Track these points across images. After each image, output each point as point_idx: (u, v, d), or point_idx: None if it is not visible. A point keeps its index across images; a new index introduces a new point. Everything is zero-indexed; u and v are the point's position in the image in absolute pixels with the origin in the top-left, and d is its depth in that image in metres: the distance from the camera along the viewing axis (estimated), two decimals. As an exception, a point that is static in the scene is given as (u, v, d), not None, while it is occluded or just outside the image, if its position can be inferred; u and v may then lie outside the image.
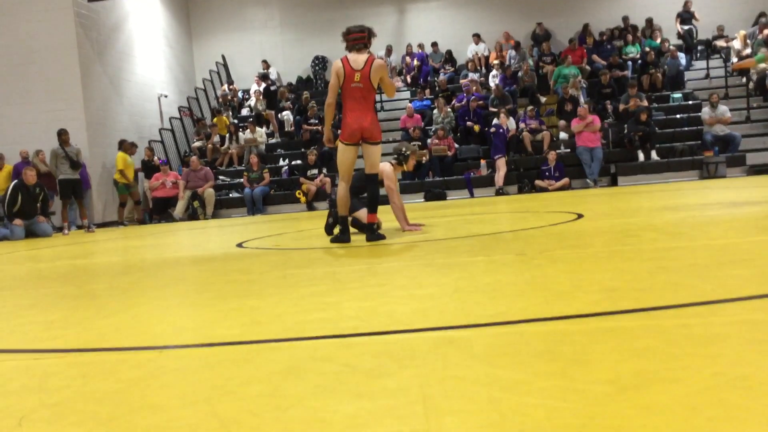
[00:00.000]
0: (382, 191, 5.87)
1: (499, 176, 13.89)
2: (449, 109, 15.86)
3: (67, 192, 12.09)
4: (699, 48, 17.65)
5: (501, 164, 13.93)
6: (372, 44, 5.45)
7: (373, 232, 5.34)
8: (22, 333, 2.61)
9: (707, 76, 17.04)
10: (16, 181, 11.63)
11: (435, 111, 16.00)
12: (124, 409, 1.55)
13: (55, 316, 2.91)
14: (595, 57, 17.27)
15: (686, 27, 17.49)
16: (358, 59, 5.24)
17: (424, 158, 14.64)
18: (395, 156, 6.09)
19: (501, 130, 14.15)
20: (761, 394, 1.33)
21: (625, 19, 17.94)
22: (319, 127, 15.99)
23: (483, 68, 18.03)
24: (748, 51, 16.26)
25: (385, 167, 5.92)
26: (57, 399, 1.65)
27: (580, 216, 6.24)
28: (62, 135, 12.15)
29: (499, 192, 13.80)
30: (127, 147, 14.14)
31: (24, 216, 11.42)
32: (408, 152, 6.09)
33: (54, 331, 2.56)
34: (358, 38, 5.30)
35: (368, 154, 5.37)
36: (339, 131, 5.46)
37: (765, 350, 1.62)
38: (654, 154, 14.13)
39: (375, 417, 1.36)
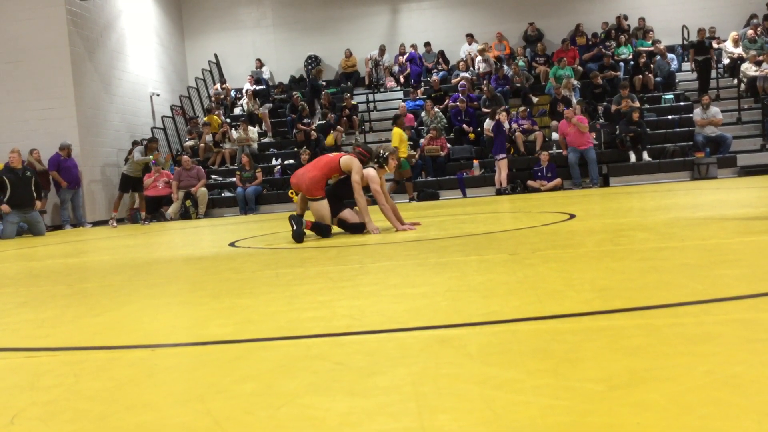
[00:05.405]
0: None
1: (502, 177, 13.84)
2: (437, 110, 15.81)
3: (126, 186, 13.02)
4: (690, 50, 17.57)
5: (503, 165, 13.85)
6: (373, 161, 6.19)
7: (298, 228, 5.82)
8: (14, 331, 2.60)
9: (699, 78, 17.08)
10: None
11: (423, 113, 15.96)
12: (116, 407, 1.54)
13: (47, 314, 2.89)
14: (587, 58, 17.32)
15: (701, 58, 15.88)
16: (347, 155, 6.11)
17: (413, 159, 14.62)
18: (375, 160, 6.20)
19: (502, 129, 13.99)
20: (753, 392, 1.34)
21: (618, 19, 17.99)
22: (312, 128, 16.08)
23: (475, 68, 18.03)
24: (740, 51, 16.33)
25: (370, 172, 6.09)
26: (49, 397, 1.65)
27: (572, 216, 6.25)
28: (152, 143, 13.22)
29: (505, 191, 13.71)
30: (401, 123, 13.53)
31: (18, 206, 10.67)
32: (386, 154, 6.25)
33: (46, 329, 2.55)
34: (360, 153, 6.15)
35: (312, 209, 5.99)
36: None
37: (757, 349, 1.63)
38: (645, 155, 14.18)
39: (368, 415, 1.36)
